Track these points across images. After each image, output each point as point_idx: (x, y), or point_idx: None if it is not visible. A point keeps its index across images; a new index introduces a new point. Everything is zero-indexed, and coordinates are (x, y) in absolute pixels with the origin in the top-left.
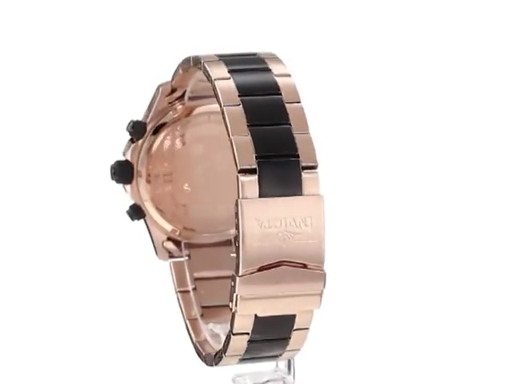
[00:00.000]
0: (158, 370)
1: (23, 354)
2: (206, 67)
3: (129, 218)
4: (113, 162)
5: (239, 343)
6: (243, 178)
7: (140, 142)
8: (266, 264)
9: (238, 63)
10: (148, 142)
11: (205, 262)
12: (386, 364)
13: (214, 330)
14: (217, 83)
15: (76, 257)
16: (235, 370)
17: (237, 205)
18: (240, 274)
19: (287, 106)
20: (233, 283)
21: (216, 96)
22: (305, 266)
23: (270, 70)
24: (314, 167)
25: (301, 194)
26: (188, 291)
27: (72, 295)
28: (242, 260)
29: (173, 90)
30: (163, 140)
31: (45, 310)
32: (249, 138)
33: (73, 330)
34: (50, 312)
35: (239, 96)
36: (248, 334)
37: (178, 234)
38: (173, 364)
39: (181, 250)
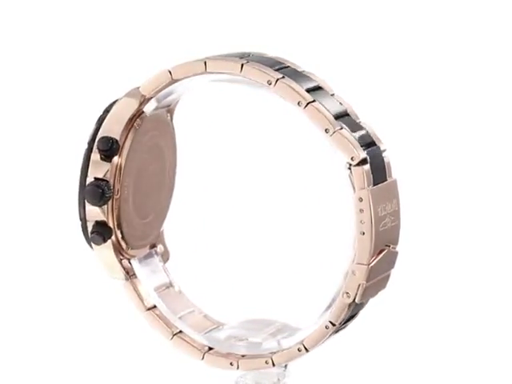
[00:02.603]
0: (161, 371)
1: None
2: (254, 67)
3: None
4: (92, 184)
5: (326, 335)
6: (364, 168)
7: (115, 158)
8: (379, 250)
9: (268, 64)
10: (123, 158)
11: (155, 273)
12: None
13: (226, 332)
14: (284, 82)
15: None
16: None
17: (359, 195)
18: (367, 262)
19: (336, 97)
20: (354, 273)
21: (286, 96)
22: (388, 247)
23: (293, 67)
24: (385, 150)
25: (386, 180)
26: (155, 306)
27: None
28: (371, 248)
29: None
30: (131, 153)
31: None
32: (345, 130)
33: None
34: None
35: (307, 92)
36: (336, 324)
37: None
38: (176, 365)
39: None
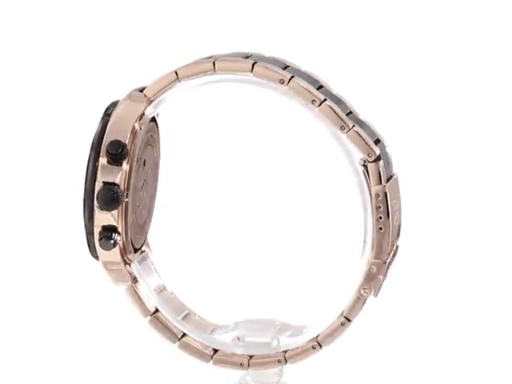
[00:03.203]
0: (162, 373)
1: None
2: (265, 67)
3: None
4: (105, 189)
5: (342, 331)
6: (380, 164)
7: (124, 163)
8: (392, 245)
9: (273, 63)
10: (129, 161)
11: (151, 276)
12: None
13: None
14: (296, 81)
15: None
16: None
17: (376, 191)
18: (385, 257)
19: (338, 95)
20: (372, 268)
21: (299, 94)
22: (395, 242)
23: (293, 67)
24: (387, 146)
25: (392, 176)
26: (157, 310)
27: None
28: (390, 243)
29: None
30: (135, 156)
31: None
32: (358, 127)
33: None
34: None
35: (317, 89)
36: (351, 320)
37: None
38: (181, 366)
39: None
